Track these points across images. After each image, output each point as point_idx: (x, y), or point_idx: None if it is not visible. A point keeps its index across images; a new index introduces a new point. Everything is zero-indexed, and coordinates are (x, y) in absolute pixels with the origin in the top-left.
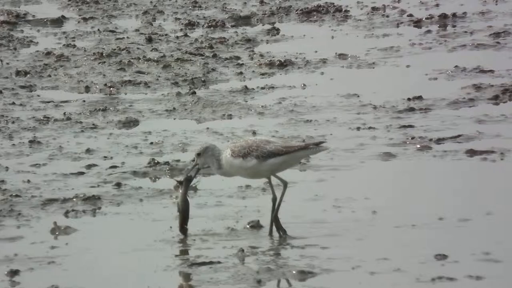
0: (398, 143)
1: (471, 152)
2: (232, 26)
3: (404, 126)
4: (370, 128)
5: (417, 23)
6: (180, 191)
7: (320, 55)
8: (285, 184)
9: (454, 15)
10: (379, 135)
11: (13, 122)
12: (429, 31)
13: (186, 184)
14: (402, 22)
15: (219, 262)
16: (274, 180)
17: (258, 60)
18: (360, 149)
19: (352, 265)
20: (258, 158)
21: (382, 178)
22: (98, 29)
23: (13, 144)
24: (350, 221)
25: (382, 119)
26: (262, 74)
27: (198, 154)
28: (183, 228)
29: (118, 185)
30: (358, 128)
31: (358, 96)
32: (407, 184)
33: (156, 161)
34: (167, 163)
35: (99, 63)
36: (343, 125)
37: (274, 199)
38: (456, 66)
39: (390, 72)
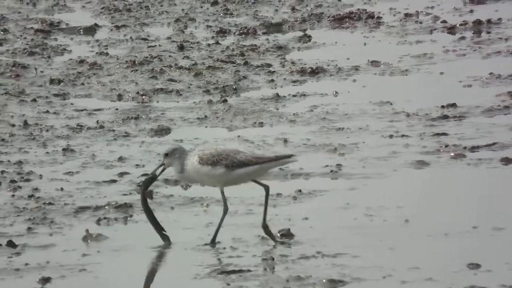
0: (431, 151)
1: (506, 160)
2: (264, 33)
3: (438, 134)
4: (403, 136)
5: (451, 30)
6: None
7: (352, 62)
8: (266, 188)
9: (488, 21)
10: (412, 143)
11: (47, 130)
12: (463, 38)
13: (148, 182)
14: (435, 29)
15: (249, 270)
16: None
17: (290, 68)
18: (392, 157)
19: (383, 274)
20: (228, 167)
21: (415, 187)
22: (131, 37)
23: (47, 152)
24: (382, 230)
25: (416, 126)
26: (294, 82)
27: (166, 154)
28: (162, 235)
29: (150, 193)
30: (391, 136)
31: (391, 104)
32: (440, 192)
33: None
34: None
35: (132, 71)
36: (376, 133)
37: (225, 210)
38: (491, 73)
39: (424, 79)
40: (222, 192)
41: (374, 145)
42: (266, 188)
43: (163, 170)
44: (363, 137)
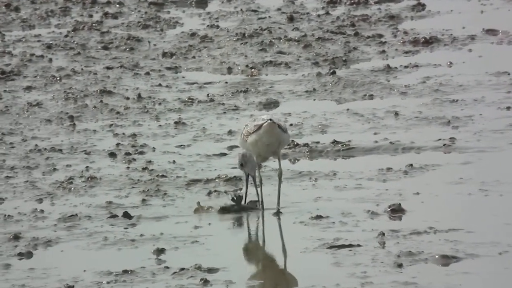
0: None
1: None
2: (375, 3)
3: None
4: None
5: None
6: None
7: (468, 31)
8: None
9: None
10: None
11: (159, 104)
12: None
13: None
14: None
15: (358, 245)
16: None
17: (402, 38)
18: (509, 129)
19: (499, 250)
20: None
21: None
22: (241, 9)
23: (160, 125)
24: (498, 205)
25: None
26: (406, 52)
27: (241, 165)
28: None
29: (259, 166)
30: (508, 108)
31: (509, 74)
32: None
33: (295, 143)
34: (306, 144)
35: (241, 43)
36: (492, 105)
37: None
38: None
39: None
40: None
41: (490, 117)
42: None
43: (248, 178)
44: (478, 109)
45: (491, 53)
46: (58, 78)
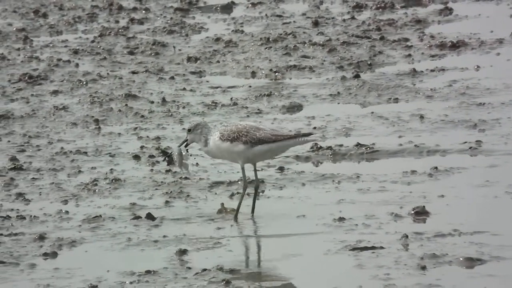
0: None
1: None
2: (402, 7)
3: None
4: None
5: None
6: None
7: (496, 35)
8: (256, 185)
9: None
10: None
11: (183, 107)
12: None
13: (179, 158)
14: None
15: (381, 247)
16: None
17: (428, 42)
18: None
19: None
20: (246, 143)
21: None
22: (266, 14)
23: (184, 128)
24: None
25: None
26: (432, 56)
27: (189, 130)
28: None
29: (281, 169)
30: None
31: None
32: None
33: (319, 146)
34: (329, 147)
35: (266, 48)
36: None
37: (245, 188)
38: None
39: None
40: (243, 169)
41: None
42: (257, 184)
43: (186, 145)
44: (506, 113)
45: None
46: (84, 83)
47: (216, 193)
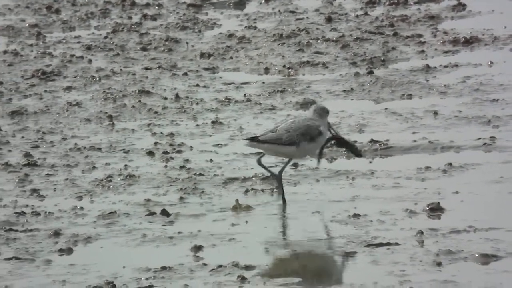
0: None
1: None
2: (415, 3)
3: None
4: None
5: None
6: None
7: (509, 30)
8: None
9: None
10: None
11: (197, 103)
12: None
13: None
14: None
15: (397, 244)
16: None
17: (442, 38)
18: None
19: None
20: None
21: None
22: (279, 10)
23: (197, 125)
24: None
25: None
26: (446, 52)
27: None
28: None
29: (295, 165)
30: None
31: None
32: None
33: (333, 142)
34: None
35: (279, 44)
36: None
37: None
38: None
39: None
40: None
41: None
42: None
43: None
44: None
45: None
46: (97, 79)
47: (230, 190)
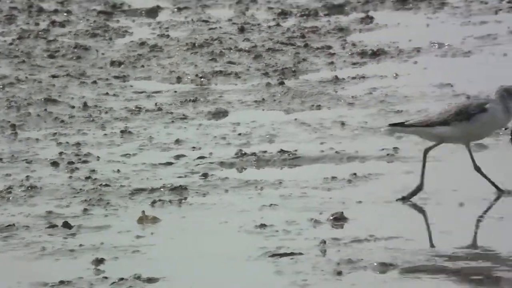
0: None
1: None
2: (325, 15)
3: None
4: None
5: None
6: None
7: (414, 43)
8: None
9: None
10: None
11: (106, 112)
12: None
13: None
14: (501, 9)
15: (300, 253)
16: None
17: (350, 50)
18: None
19: (435, 257)
20: None
21: (471, 170)
22: (192, 19)
23: (105, 134)
24: (437, 213)
25: None
26: (354, 64)
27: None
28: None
29: (205, 175)
30: None
31: (452, 86)
32: (497, 175)
33: (243, 152)
34: (254, 154)
35: (191, 53)
36: None
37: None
38: None
39: (486, 60)
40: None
41: None
42: None
43: None
44: None
45: (436, 65)
46: (1, 87)
47: (137, 201)
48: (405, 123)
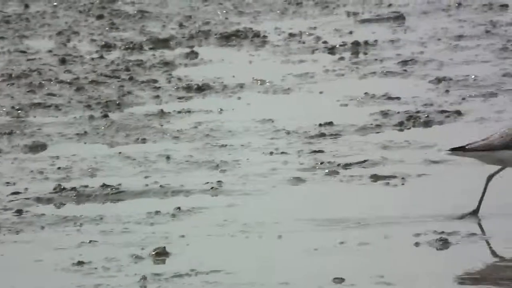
0: (308, 168)
1: (375, 177)
2: (150, 49)
3: (315, 151)
4: (282, 153)
5: (331, 50)
6: None
7: (237, 80)
8: None
9: (366, 42)
10: (291, 160)
11: None
12: (342, 58)
13: None
14: (317, 49)
15: None
16: None
17: (176, 84)
18: (272, 173)
19: None
20: None
21: (291, 203)
22: (8, 50)
23: None
24: (257, 246)
25: (294, 144)
26: (180, 98)
27: None
28: None
29: (19, 212)
30: (271, 153)
31: (273, 121)
32: (314, 208)
33: (62, 187)
34: (74, 188)
35: (7, 84)
36: (257, 150)
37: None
38: (366, 93)
39: (304, 98)
40: None
41: (254, 162)
42: None
43: None
44: (244, 154)
45: (258, 101)
46: None
47: None
48: (466, 147)
